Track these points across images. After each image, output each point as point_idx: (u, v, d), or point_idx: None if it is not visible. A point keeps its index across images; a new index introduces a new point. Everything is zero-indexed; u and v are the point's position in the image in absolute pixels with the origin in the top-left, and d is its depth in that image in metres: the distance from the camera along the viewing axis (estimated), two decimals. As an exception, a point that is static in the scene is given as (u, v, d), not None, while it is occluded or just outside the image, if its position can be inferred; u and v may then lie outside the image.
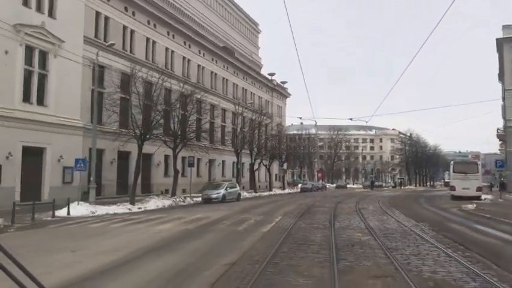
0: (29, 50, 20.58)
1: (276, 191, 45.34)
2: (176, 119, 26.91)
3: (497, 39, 45.56)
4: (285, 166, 54.64)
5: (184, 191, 30.56)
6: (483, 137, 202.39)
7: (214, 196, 26.19)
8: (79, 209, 17.30)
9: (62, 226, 13.59)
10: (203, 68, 38.01)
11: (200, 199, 27.11)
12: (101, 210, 18.27)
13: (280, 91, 58.60)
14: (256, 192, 39.52)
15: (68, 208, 16.75)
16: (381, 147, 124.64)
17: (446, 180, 70.24)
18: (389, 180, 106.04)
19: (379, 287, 5.99)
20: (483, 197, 29.47)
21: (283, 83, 60.82)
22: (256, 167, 42.75)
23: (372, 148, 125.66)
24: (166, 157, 31.23)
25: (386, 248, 8.97)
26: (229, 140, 39.52)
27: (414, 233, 11.54)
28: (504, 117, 43.07)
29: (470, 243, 9.82)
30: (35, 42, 20.70)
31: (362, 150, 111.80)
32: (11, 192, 18.86)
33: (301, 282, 6.15)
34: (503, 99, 45.30)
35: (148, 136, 22.97)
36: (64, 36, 21.99)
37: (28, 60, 20.51)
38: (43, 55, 21.36)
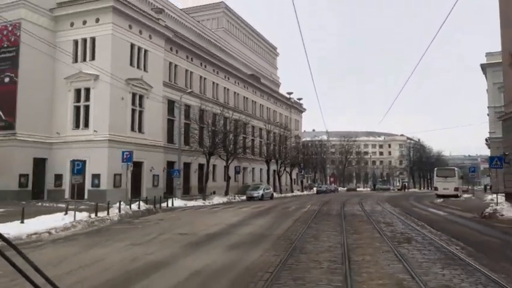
0: (133, 95, 30.17)
1: (296, 193, 54.56)
2: (226, 138, 36.34)
3: (481, 65, 53.78)
4: (302, 172, 64.05)
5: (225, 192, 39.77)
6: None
7: (255, 195, 35.39)
8: (177, 202, 26.65)
9: (183, 210, 22.91)
10: (238, 94, 47.49)
11: (243, 197, 36.34)
12: (189, 203, 27.57)
13: (297, 107, 67.82)
14: (281, 193, 48.73)
15: (172, 201, 26.13)
16: (389, 153, 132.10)
17: None
18: (397, 184, 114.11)
19: (360, 224, 15.07)
20: (462, 195, 37.91)
21: (299, 99, 70.03)
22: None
23: (381, 153, 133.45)
24: (214, 166, 40.58)
25: (369, 215, 18.09)
26: (259, 151, 48.94)
27: (388, 212, 20.58)
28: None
29: (414, 214, 18.88)
30: (137, 90, 30.30)
31: (371, 156, 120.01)
32: (125, 192, 28.32)
33: (329, 222, 15.28)
34: (488, 114, 53.71)
35: (213, 153, 32.48)
36: (152, 82, 31.59)
37: (133, 102, 30.10)
38: (141, 98, 30.94)
